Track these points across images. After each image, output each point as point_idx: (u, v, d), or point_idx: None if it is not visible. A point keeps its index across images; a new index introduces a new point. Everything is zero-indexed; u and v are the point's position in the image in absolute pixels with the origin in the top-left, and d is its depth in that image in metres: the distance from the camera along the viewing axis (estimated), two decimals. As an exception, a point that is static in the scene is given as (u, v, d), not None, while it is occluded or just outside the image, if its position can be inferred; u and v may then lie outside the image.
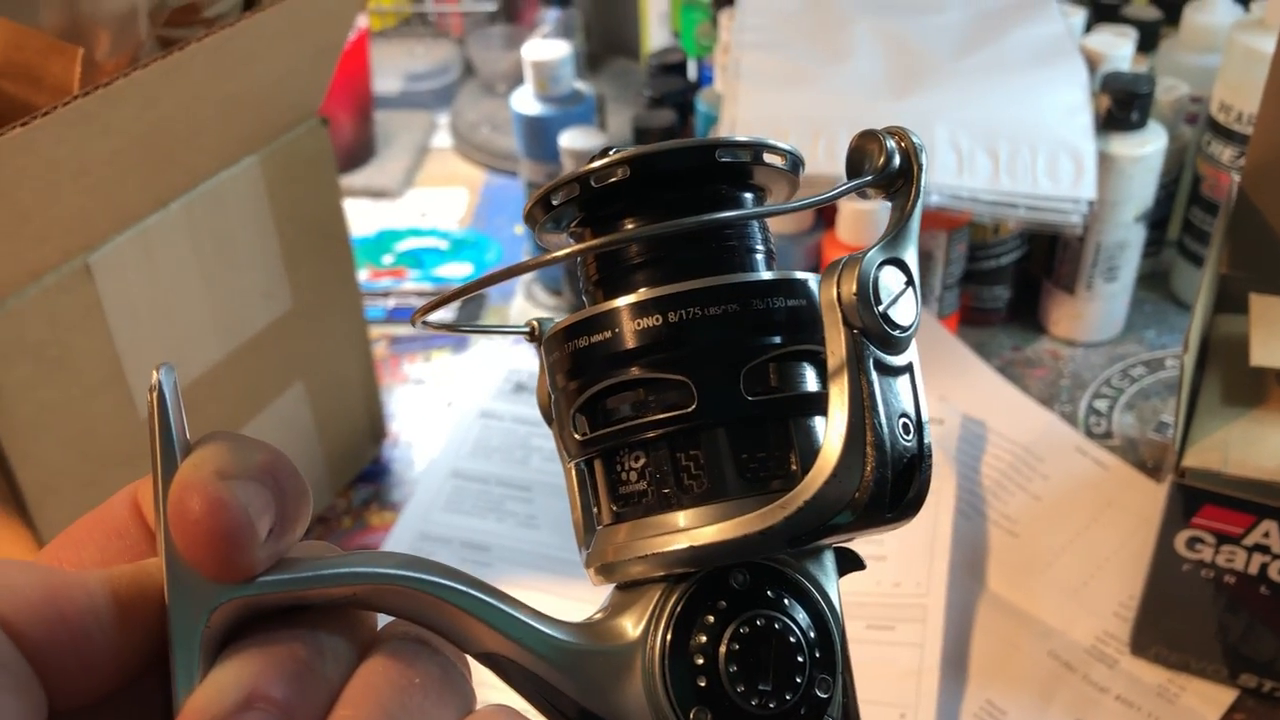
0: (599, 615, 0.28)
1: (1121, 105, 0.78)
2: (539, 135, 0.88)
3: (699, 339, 0.26)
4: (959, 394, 0.80)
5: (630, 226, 0.28)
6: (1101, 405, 0.82)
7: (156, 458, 0.23)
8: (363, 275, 0.99)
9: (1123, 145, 0.78)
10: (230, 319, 0.64)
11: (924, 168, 0.27)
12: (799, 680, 0.26)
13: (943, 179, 0.76)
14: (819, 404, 0.27)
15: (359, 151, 1.10)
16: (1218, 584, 0.60)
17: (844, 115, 0.78)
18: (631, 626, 0.26)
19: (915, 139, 0.27)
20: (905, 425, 0.26)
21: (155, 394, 0.23)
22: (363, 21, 1.08)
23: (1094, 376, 0.84)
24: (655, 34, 1.20)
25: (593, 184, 0.27)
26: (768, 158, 0.27)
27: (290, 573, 0.23)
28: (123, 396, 0.58)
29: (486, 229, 1.05)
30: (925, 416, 0.26)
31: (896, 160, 0.26)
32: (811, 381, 0.27)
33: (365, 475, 0.79)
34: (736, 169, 0.27)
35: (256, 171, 0.63)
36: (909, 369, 0.26)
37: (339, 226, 0.71)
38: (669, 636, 0.26)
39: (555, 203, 0.28)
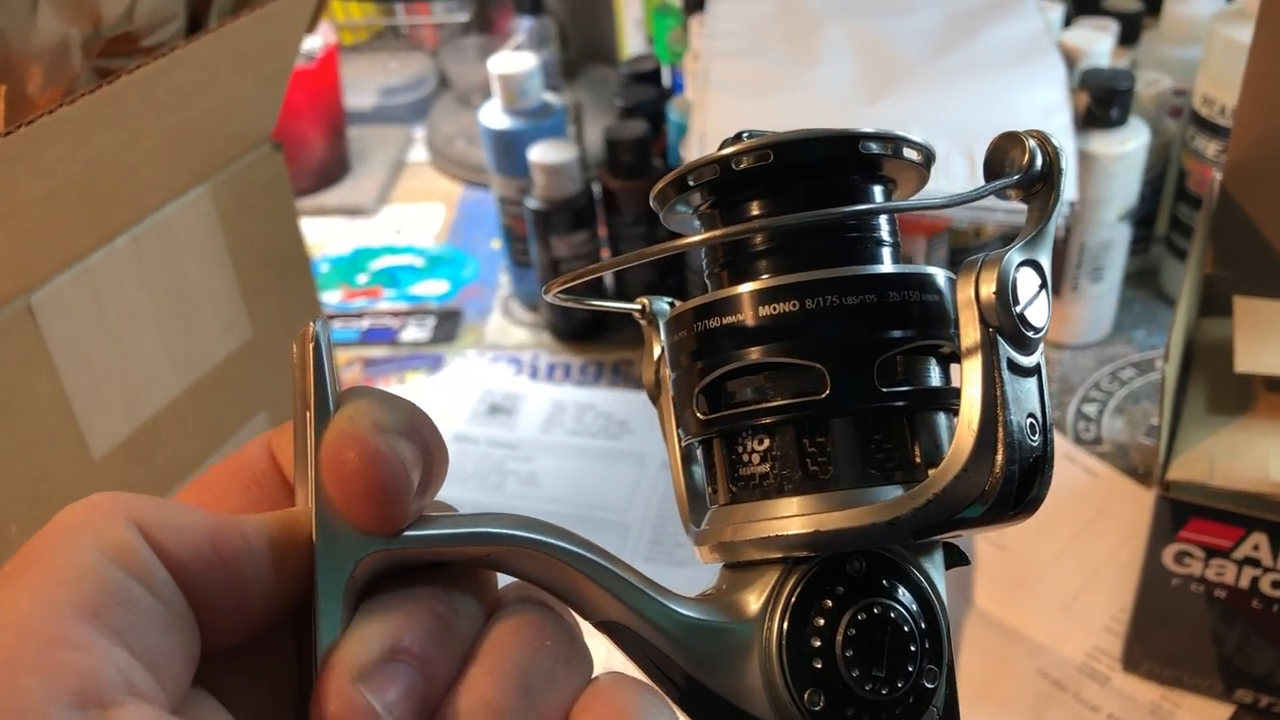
0: (713, 592, 0.28)
1: (1101, 103, 0.76)
2: (508, 149, 0.86)
3: (835, 327, 0.26)
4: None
5: (758, 212, 0.28)
6: (1090, 410, 0.80)
7: (310, 409, 0.23)
8: (336, 296, 0.97)
9: (1103, 143, 0.76)
10: (187, 352, 0.62)
11: (1064, 171, 0.27)
12: (910, 669, 0.26)
13: (919, 184, 0.74)
14: (942, 399, 0.27)
15: (332, 169, 1.09)
16: (1209, 598, 0.58)
17: (817, 121, 0.76)
18: (750, 606, 0.26)
19: (1056, 142, 0.27)
20: (1032, 425, 0.26)
21: (312, 344, 0.23)
22: (332, 36, 1.07)
23: (1082, 380, 0.82)
24: (632, 40, 1.18)
25: (733, 167, 0.27)
26: (906, 152, 0.27)
27: (432, 529, 0.23)
28: (74, 440, 0.57)
29: (463, 244, 1.03)
30: (1050, 419, 0.26)
31: (1039, 161, 0.26)
32: (936, 377, 0.28)
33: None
34: (872, 161, 0.27)
35: (207, 202, 0.61)
36: (1037, 370, 0.26)
37: (298, 252, 0.69)
38: (788, 618, 0.26)
39: (692, 183, 0.28)
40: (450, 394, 0.84)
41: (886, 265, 0.27)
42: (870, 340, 0.26)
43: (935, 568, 0.28)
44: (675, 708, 0.25)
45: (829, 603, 0.26)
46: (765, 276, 0.27)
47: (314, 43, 1.03)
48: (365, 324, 0.94)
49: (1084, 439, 0.77)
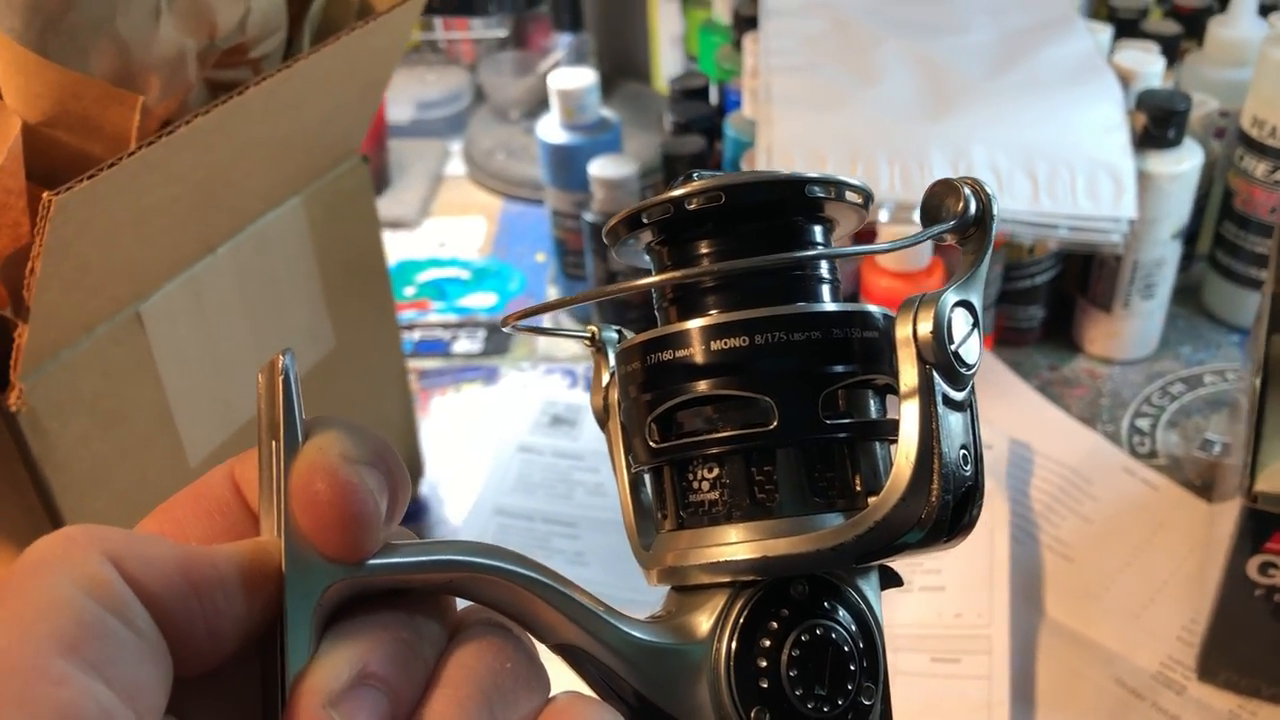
0: (662, 614, 0.29)
1: (1159, 123, 0.78)
2: (566, 164, 0.87)
3: (782, 362, 0.27)
4: (1004, 417, 0.79)
5: (706, 250, 0.29)
6: (1144, 424, 0.81)
7: (278, 439, 0.23)
8: (386, 308, 0.97)
9: (1160, 163, 0.78)
10: (276, 362, 0.63)
11: (996, 217, 0.28)
12: (850, 687, 0.27)
13: (983, 201, 0.76)
14: (880, 430, 0.29)
15: (374, 182, 1.09)
16: (1290, 608, 0.59)
17: (881, 138, 0.77)
18: (699, 627, 0.28)
19: (990, 190, 0.28)
20: (964, 456, 0.27)
21: (281, 375, 0.24)
22: (375, 51, 1.07)
23: (1134, 395, 0.84)
24: (667, 57, 1.19)
25: (686, 207, 0.28)
26: (848, 195, 0.29)
27: (397, 557, 0.24)
28: (174, 447, 0.57)
29: (508, 257, 1.03)
30: (981, 450, 0.28)
31: (973, 208, 0.28)
32: (874, 409, 0.29)
33: (405, 516, 0.77)
34: (816, 203, 0.29)
35: (300, 212, 0.61)
36: (969, 405, 0.28)
37: (378, 262, 0.69)
38: (736, 639, 0.27)
39: (645, 221, 0.29)
40: (511, 405, 0.84)
41: (829, 303, 0.29)
42: (816, 374, 0.28)
43: (872, 589, 0.29)
44: None
45: (774, 625, 0.27)
46: (714, 312, 0.28)
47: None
48: (416, 336, 0.94)
49: (1139, 452, 0.79)
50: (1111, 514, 0.74)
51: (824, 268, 0.30)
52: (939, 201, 0.28)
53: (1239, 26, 0.87)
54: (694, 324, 0.28)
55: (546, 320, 0.88)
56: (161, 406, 0.56)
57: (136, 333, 0.53)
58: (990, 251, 0.28)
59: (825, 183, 0.28)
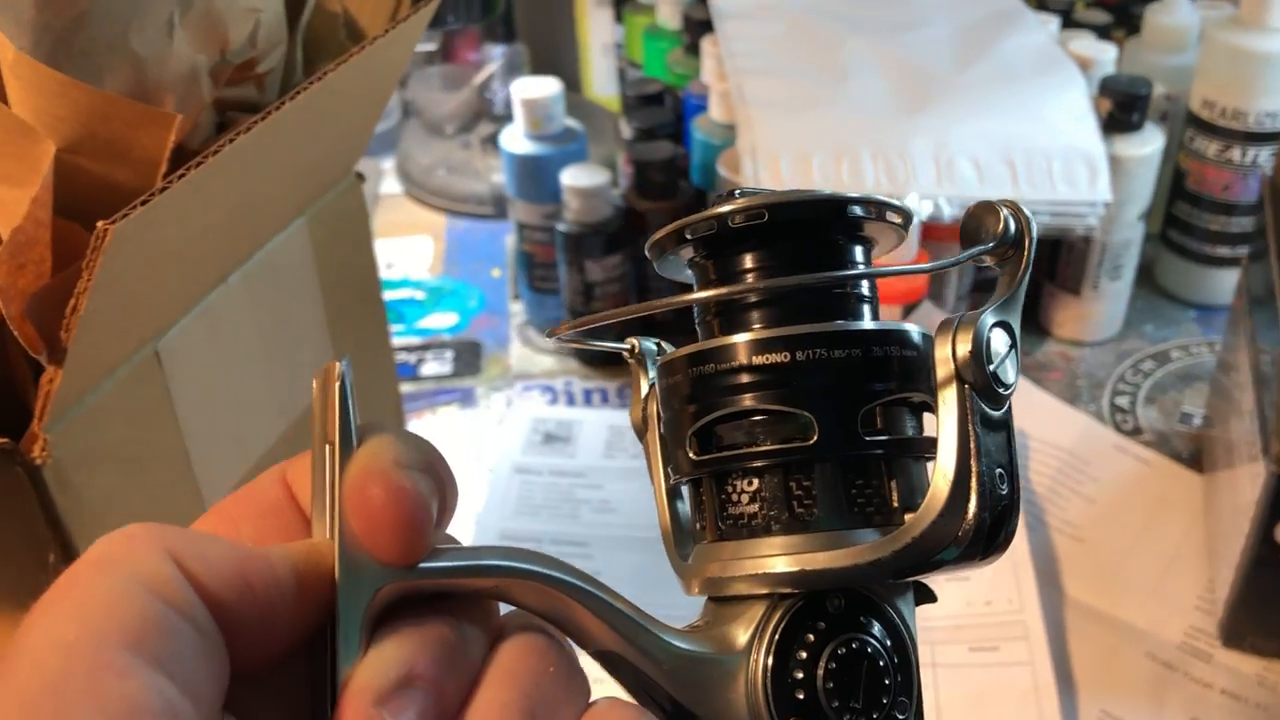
0: (700, 624, 0.29)
1: (1123, 108, 0.80)
2: (535, 175, 0.85)
3: (823, 378, 0.28)
4: (994, 404, 0.80)
5: (750, 266, 0.29)
6: (1123, 402, 0.83)
7: (331, 444, 0.24)
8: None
9: (1126, 146, 0.80)
10: (285, 394, 0.59)
11: (1034, 239, 0.28)
12: (884, 701, 0.27)
13: (965, 191, 0.76)
14: (918, 447, 0.29)
15: (313, 205, 1.05)
16: (1316, 569, 0.61)
17: (862, 134, 0.77)
18: (737, 637, 0.28)
19: (1027, 212, 0.29)
20: (1001, 475, 0.27)
21: (338, 382, 0.25)
22: (306, 69, 1.03)
23: (1108, 375, 0.86)
24: (598, 66, 1.18)
25: (730, 224, 0.28)
26: (889, 215, 0.29)
27: (445, 561, 0.25)
28: (191, 493, 0.53)
29: (461, 275, 1.01)
30: (1017, 470, 0.28)
31: (1012, 229, 0.28)
32: (911, 426, 0.29)
33: (403, 547, 0.74)
34: (857, 222, 0.29)
35: (304, 233, 0.58)
36: (1007, 424, 0.28)
37: (374, 286, 0.66)
38: (773, 650, 0.27)
39: (689, 237, 0.29)
40: (497, 426, 0.82)
41: (868, 322, 0.29)
42: (855, 391, 0.28)
43: (907, 605, 0.29)
44: None
45: (811, 637, 0.27)
46: (757, 327, 0.29)
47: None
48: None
49: (1125, 430, 0.80)
50: (1112, 492, 0.75)
51: (864, 286, 0.30)
52: (978, 223, 0.29)
53: (1177, 13, 0.90)
54: (738, 339, 0.28)
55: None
56: (179, 450, 0.52)
57: (155, 372, 0.50)
58: (1028, 272, 0.28)
59: (866, 202, 0.29)
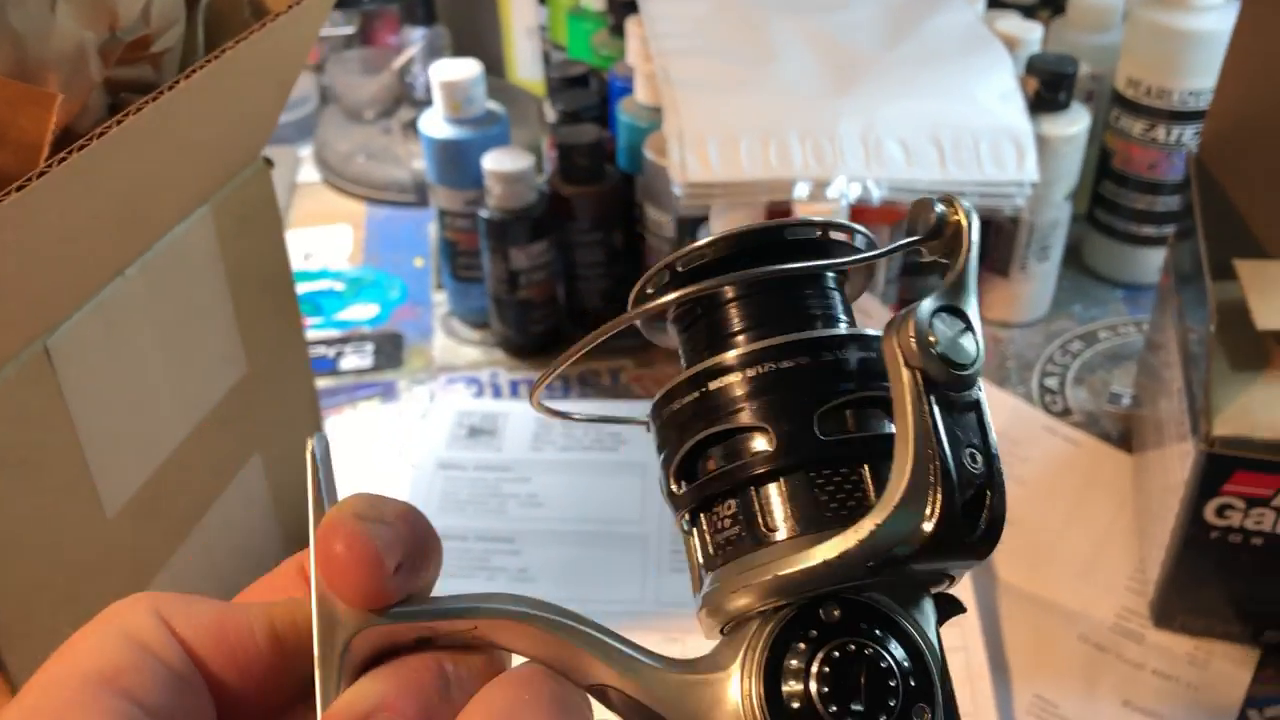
0: (705, 655, 0.29)
1: (1050, 87, 0.79)
2: (456, 160, 0.82)
3: (775, 389, 0.28)
4: (925, 387, 0.79)
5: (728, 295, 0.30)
6: (1052, 383, 0.83)
7: (310, 514, 0.27)
8: (262, 327, 0.90)
9: (1053, 126, 0.80)
10: (191, 391, 0.56)
11: (973, 228, 0.29)
12: (892, 704, 0.27)
13: (893, 173, 0.75)
14: (891, 444, 0.29)
15: (227, 194, 1.01)
16: (1245, 547, 0.60)
17: (789, 116, 0.76)
18: (729, 658, 0.28)
19: (966, 204, 0.30)
20: (973, 455, 0.27)
21: (311, 460, 0.27)
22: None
23: (1037, 355, 0.85)
24: (522, 48, 1.15)
25: (679, 269, 0.30)
26: (834, 235, 0.30)
27: (418, 605, 0.27)
28: (88, 497, 0.50)
29: (382, 265, 0.98)
30: (995, 448, 0.28)
31: (947, 222, 0.29)
32: (888, 425, 0.29)
33: (323, 547, 0.71)
34: (808, 246, 0.30)
35: (209, 222, 0.55)
36: (976, 404, 0.28)
37: (286, 277, 0.64)
38: (763, 662, 0.27)
39: (650, 291, 0.31)
40: (420, 420, 0.79)
41: (821, 329, 0.30)
42: (808, 397, 0.28)
43: (924, 617, 0.29)
44: None
45: (803, 646, 0.27)
46: (708, 356, 0.29)
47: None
48: (298, 354, 0.88)
49: (1054, 411, 0.80)
50: (1043, 474, 0.75)
51: (836, 305, 0.31)
52: (915, 217, 0.30)
53: (1100, -8, 0.90)
54: (693, 370, 0.29)
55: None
56: (76, 453, 0.49)
57: (45, 370, 0.47)
58: (969, 259, 0.29)
59: (809, 224, 0.30)
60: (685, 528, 0.31)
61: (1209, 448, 0.58)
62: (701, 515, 0.30)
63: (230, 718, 0.26)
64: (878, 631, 0.27)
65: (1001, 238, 0.85)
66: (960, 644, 0.62)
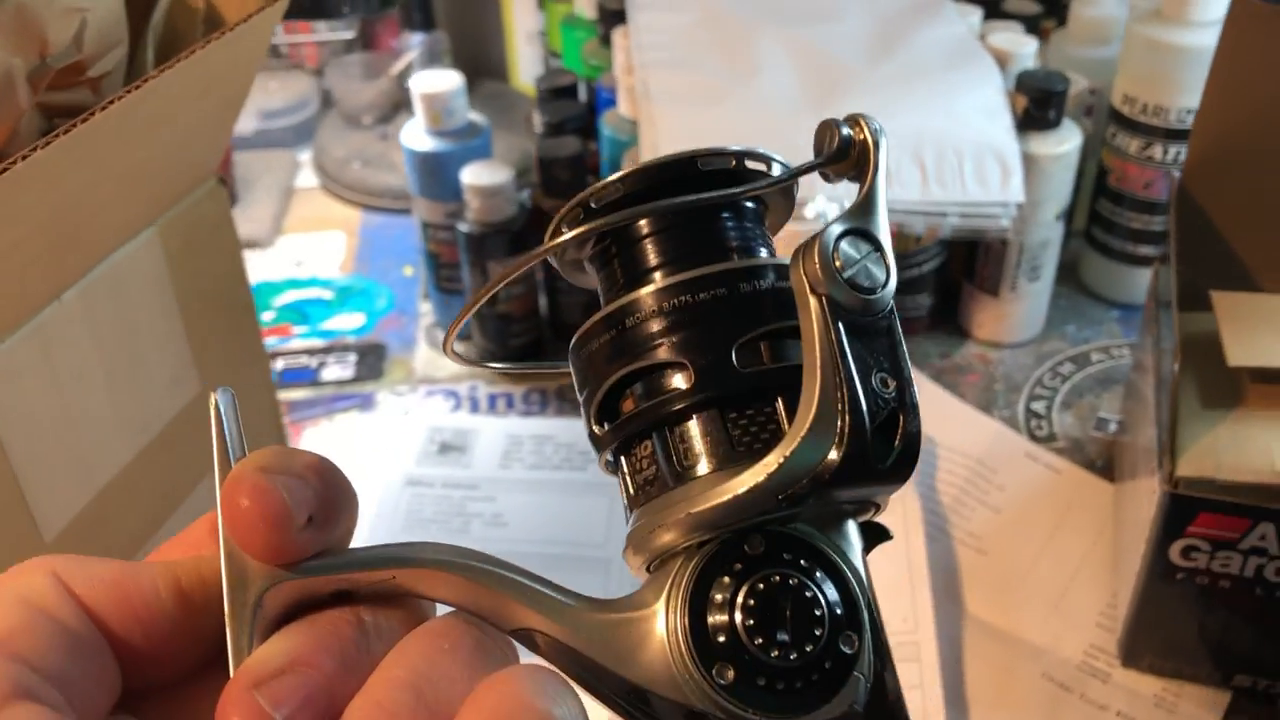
0: (630, 594, 0.29)
1: (1039, 104, 0.77)
2: (436, 173, 0.82)
3: (693, 323, 0.28)
4: (904, 410, 0.77)
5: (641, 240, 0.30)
6: (1039, 407, 0.81)
7: (216, 470, 0.26)
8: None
9: (1042, 144, 0.78)
10: (137, 414, 0.56)
11: (880, 146, 0.29)
12: (819, 633, 0.26)
13: (872, 192, 0.74)
14: None
15: (221, 199, 1.01)
16: (1213, 589, 0.59)
17: (767, 132, 0.75)
18: (654, 596, 0.28)
19: (873, 124, 0.29)
20: (884, 380, 0.27)
21: (215, 415, 0.26)
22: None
23: (1026, 378, 0.84)
24: (524, 55, 1.15)
25: (592, 205, 0.29)
26: (750, 164, 0.29)
27: (332, 559, 0.26)
28: (23, 522, 0.50)
29: (372, 273, 0.98)
30: (908, 372, 0.28)
31: (852, 142, 0.29)
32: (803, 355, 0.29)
33: (288, 562, 0.71)
34: (723, 177, 0.29)
35: (156, 244, 0.55)
36: (887, 329, 0.28)
37: (243, 295, 0.63)
38: (688, 598, 0.27)
39: (565, 231, 0.29)
40: (393, 435, 0.79)
41: (736, 261, 0.29)
42: (726, 330, 0.28)
43: (848, 544, 0.29)
44: (597, 702, 0.27)
45: (726, 579, 0.27)
46: (624, 293, 0.29)
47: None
48: (280, 365, 0.88)
49: (1038, 436, 0.79)
50: (1019, 502, 0.73)
51: (756, 236, 0.30)
52: (820, 141, 0.29)
53: (1102, 5, 0.88)
54: (610, 307, 0.29)
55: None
56: (9, 480, 0.49)
57: (-25, 396, 0.47)
58: (878, 177, 0.28)
59: (721, 155, 0.29)
60: (609, 469, 0.30)
61: (1172, 488, 0.56)
62: (622, 456, 0.29)
63: (138, 679, 0.26)
64: (803, 562, 0.27)
65: (991, 257, 0.83)
66: (917, 682, 0.61)
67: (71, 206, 0.46)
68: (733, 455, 0.28)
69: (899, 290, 0.84)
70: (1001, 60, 0.81)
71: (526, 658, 0.27)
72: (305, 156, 1.12)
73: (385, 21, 1.13)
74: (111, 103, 0.43)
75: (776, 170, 0.30)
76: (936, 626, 0.64)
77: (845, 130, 0.29)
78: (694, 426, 0.28)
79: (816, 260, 0.27)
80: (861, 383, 0.26)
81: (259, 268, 0.98)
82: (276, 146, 1.11)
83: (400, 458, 0.76)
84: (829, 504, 0.28)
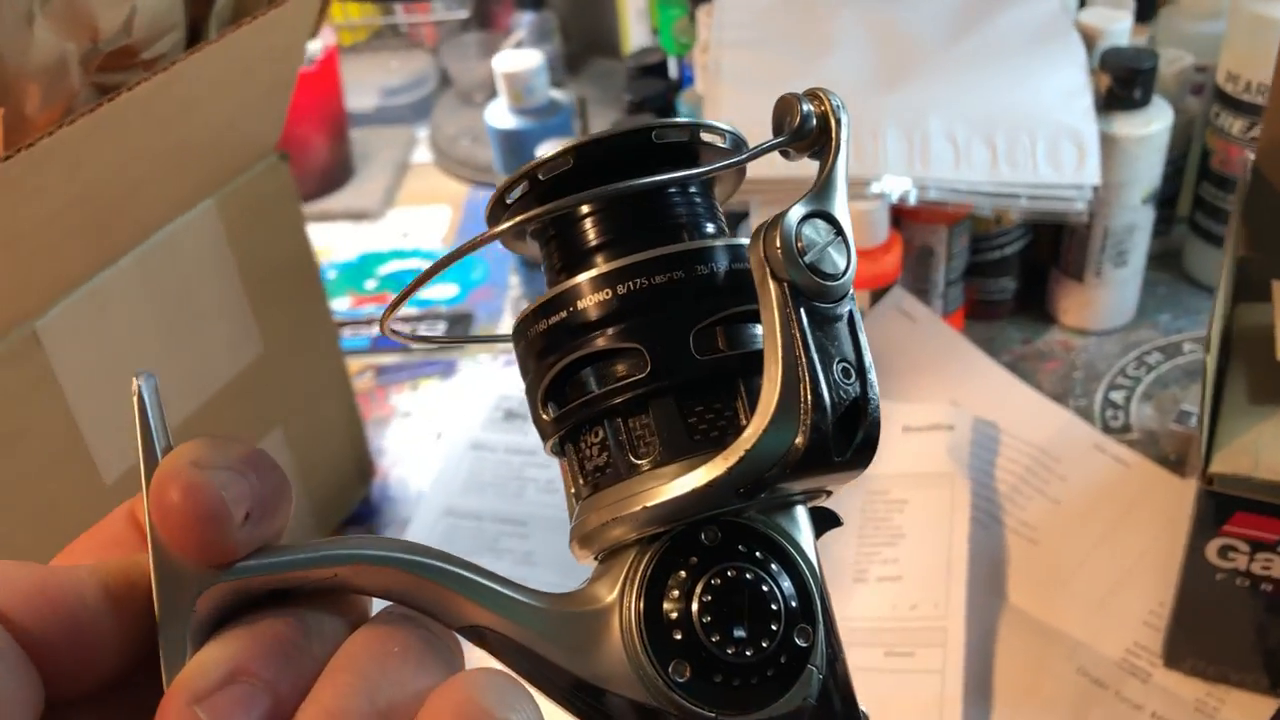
0: (581, 586, 0.28)
1: (1123, 83, 0.74)
2: (516, 149, 0.85)
3: (648, 307, 0.27)
4: (969, 396, 0.76)
5: (584, 217, 0.28)
6: (1118, 397, 0.78)
7: (141, 461, 0.24)
8: (345, 303, 0.96)
9: (1127, 125, 0.75)
10: (196, 372, 0.61)
11: (842, 123, 0.28)
12: (774, 628, 0.26)
13: (939, 173, 0.73)
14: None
15: (336, 173, 1.07)
16: (1254, 592, 0.56)
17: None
18: (607, 590, 0.27)
19: (834, 99, 0.28)
20: (845, 370, 0.26)
21: (136, 400, 0.25)
22: (331, 38, 1.05)
23: (1108, 367, 0.81)
24: (635, 31, 1.16)
25: (540, 177, 0.28)
26: (705, 136, 0.28)
27: (271, 557, 0.24)
28: (85, 467, 0.55)
29: (471, 246, 1.01)
30: (868, 361, 0.27)
31: (813, 121, 0.28)
32: (761, 340, 0.28)
33: (354, 517, 0.75)
34: (679, 150, 0.28)
35: (214, 215, 0.59)
36: (848, 317, 0.27)
37: (307, 263, 0.67)
38: (643, 593, 0.26)
39: (509, 201, 0.29)
40: (464, 401, 0.83)
41: (692, 242, 0.28)
42: (683, 315, 0.27)
43: (799, 531, 0.28)
44: (549, 700, 0.26)
45: (683, 573, 0.26)
46: (574, 273, 0.28)
47: (314, 45, 1.02)
48: (375, 331, 0.92)
49: (1112, 427, 0.76)
50: (1080, 494, 0.71)
51: (702, 211, 0.29)
52: (779, 117, 0.28)
53: (1212, -23, 0.83)
54: (562, 286, 0.27)
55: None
56: (68, 425, 0.54)
57: (35, 350, 0.52)
58: (840, 157, 0.27)
59: (674, 126, 0.28)
60: (555, 453, 0.30)
61: (1207, 485, 0.54)
62: (569, 444, 0.29)
63: (64, 690, 0.24)
64: (758, 554, 0.27)
65: (1075, 241, 0.80)
66: (939, 667, 0.60)
67: (107, 181, 0.50)
68: (690, 445, 0.27)
69: (982, 273, 0.82)
70: (1092, 37, 0.78)
71: (471, 653, 0.26)
72: (423, 133, 1.17)
73: (500, 2, 1.16)
74: (138, 84, 0.46)
75: (729, 142, 0.29)
76: (969, 614, 0.63)
77: (806, 106, 0.28)
78: (649, 415, 0.27)
79: (779, 244, 0.26)
80: (824, 373, 0.26)
81: (368, 238, 1.03)
82: (396, 123, 1.16)
83: (468, 423, 0.80)
84: (782, 492, 0.27)
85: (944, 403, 0.74)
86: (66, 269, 0.52)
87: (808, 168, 0.78)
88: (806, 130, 0.28)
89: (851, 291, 0.27)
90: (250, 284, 0.63)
